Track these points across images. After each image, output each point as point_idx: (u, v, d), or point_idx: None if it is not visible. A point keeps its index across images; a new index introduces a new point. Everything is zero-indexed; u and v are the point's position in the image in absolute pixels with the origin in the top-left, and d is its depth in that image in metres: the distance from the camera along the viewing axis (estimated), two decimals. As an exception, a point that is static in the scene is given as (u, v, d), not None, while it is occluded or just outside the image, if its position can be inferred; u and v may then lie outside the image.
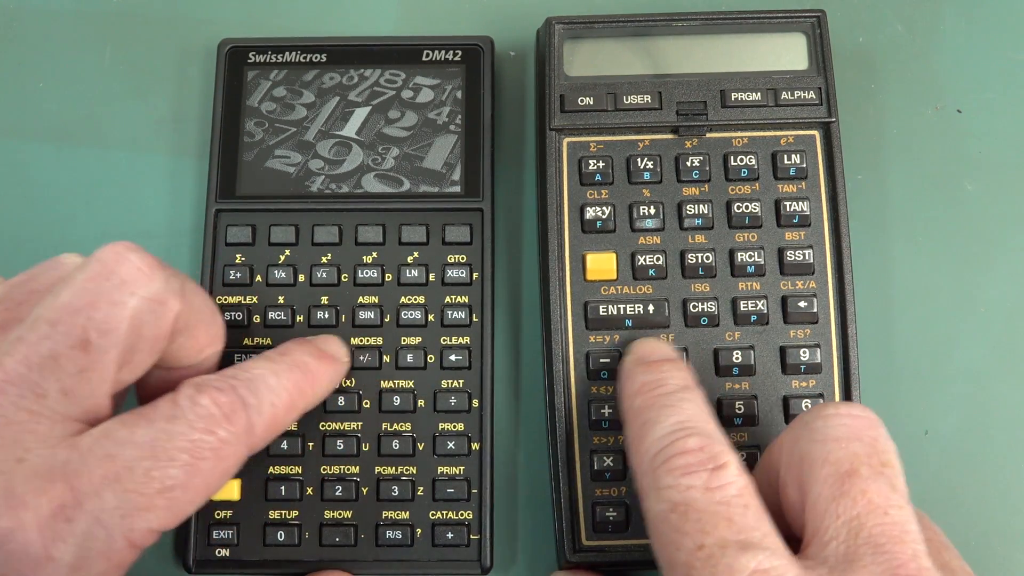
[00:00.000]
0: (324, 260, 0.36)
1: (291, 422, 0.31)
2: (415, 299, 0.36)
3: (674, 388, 0.30)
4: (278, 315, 0.36)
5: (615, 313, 0.35)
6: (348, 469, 0.34)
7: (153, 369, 0.30)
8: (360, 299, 0.36)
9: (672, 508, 0.26)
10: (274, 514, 0.34)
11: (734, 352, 0.35)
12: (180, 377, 0.31)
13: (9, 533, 0.24)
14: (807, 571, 0.25)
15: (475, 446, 0.35)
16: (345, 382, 0.35)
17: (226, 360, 0.34)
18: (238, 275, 0.36)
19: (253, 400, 0.29)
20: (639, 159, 0.36)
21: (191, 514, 0.27)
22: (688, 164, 0.36)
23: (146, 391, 0.31)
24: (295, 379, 0.31)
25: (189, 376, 0.31)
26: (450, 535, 0.34)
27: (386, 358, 0.35)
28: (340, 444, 0.34)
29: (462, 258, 0.36)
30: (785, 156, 0.36)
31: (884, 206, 0.39)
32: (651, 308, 0.35)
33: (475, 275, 0.36)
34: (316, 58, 0.38)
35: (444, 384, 0.35)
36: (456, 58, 0.38)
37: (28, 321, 0.26)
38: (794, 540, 0.27)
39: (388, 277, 0.36)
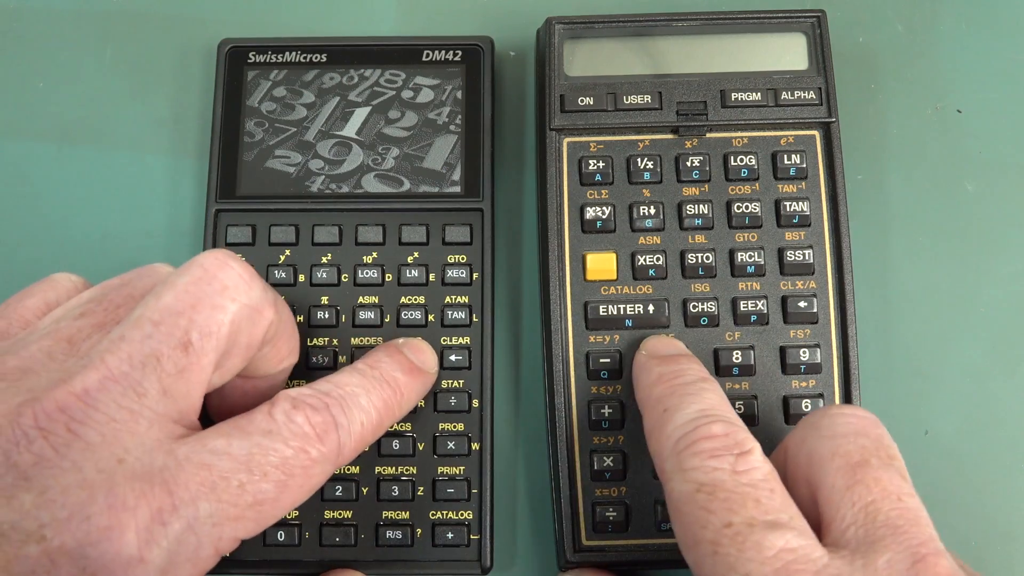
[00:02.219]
0: (324, 260, 0.36)
1: (376, 439, 0.31)
2: (415, 299, 0.36)
3: (693, 378, 0.31)
4: (278, 315, 0.36)
5: (615, 313, 0.35)
6: (348, 469, 0.34)
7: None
8: (360, 299, 0.36)
9: (698, 488, 0.27)
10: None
11: (734, 352, 0.35)
12: (254, 387, 0.32)
13: (108, 532, 0.24)
14: (831, 553, 0.25)
15: (475, 446, 0.35)
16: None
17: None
18: (238, 275, 0.36)
19: (344, 420, 0.29)
20: (639, 159, 0.36)
21: (269, 525, 0.28)
22: (688, 164, 0.36)
23: (221, 397, 0.32)
24: (385, 397, 0.31)
25: (264, 385, 0.32)
26: (450, 535, 0.34)
27: (386, 358, 0.35)
28: (340, 444, 0.34)
29: (462, 258, 0.36)
30: (785, 156, 0.36)
31: (884, 206, 0.39)
32: (651, 308, 0.35)
33: (475, 275, 0.36)
34: (316, 58, 0.38)
35: (444, 384, 0.35)
36: (456, 58, 0.38)
37: (130, 320, 0.27)
38: None
39: (388, 277, 0.36)
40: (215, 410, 0.32)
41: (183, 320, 0.27)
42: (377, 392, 0.31)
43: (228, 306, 0.28)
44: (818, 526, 0.27)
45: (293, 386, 0.34)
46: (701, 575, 0.27)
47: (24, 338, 0.28)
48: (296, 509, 0.34)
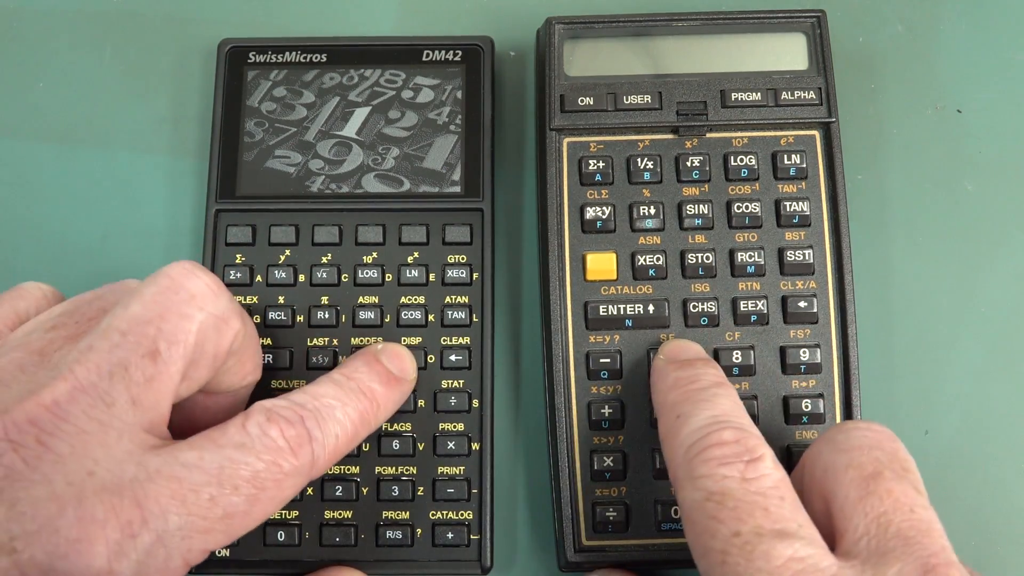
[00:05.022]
0: (324, 260, 0.36)
1: (350, 450, 0.31)
2: (415, 299, 0.36)
3: (708, 384, 0.31)
4: (278, 315, 0.36)
5: (615, 313, 0.35)
6: (348, 469, 0.34)
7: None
8: (360, 299, 0.36)
9: (708, 496, 0.27)
10: (274, 514, 0.34)
11: (734, 352, 0.35)
12: (216, 402, 0.32)
13: (77, 545, 0.24)
14: (841, 563, 0.26)
15: (475, 446, 0.35)
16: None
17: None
18: (238, 275, 0.36)
19: (319, 434, 0.29)
20: (639, 159, 0.36)
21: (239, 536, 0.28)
22: (688, 164, 0.36)
23: (182, 413, 0.32)
24: (361, 409, 0.31)
25: (226, 402, 0.32)
26: (450, 535, 0.34)
27: (386, 358, 0.35)
28: (340, 444, 0.34)
29: (462, 258, 0.36)
30: (785, 156, 0.36)
31: (884, 206, 0.39)
32: (651, 308, 0.35)
33: (475, 275, 0.36)
34: (316, 58, 0.38)
35: (444, 384, 0.35)
36: (456, 58, 0.38)
37: (98, 331, 0.27)
38: None
39: (388, 277, 0.36)
40: (176, 426, 0.32)
41: (151, 329, 0.27)
42: (353, 404, 0.30)
43: (195, 315, 0.28)
44: (832, 539, 0.27)
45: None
46: None
47: None
48: (296, 509, 0.34)
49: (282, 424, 0.28)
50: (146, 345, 0.27)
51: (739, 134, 0.36)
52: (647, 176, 0.36)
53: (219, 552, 0.34)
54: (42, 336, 0.28)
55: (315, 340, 0.35)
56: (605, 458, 0.34)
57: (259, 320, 0.36)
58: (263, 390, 0.34)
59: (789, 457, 0.34)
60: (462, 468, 0.35)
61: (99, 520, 0.25)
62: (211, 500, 0.26)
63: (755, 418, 0.34)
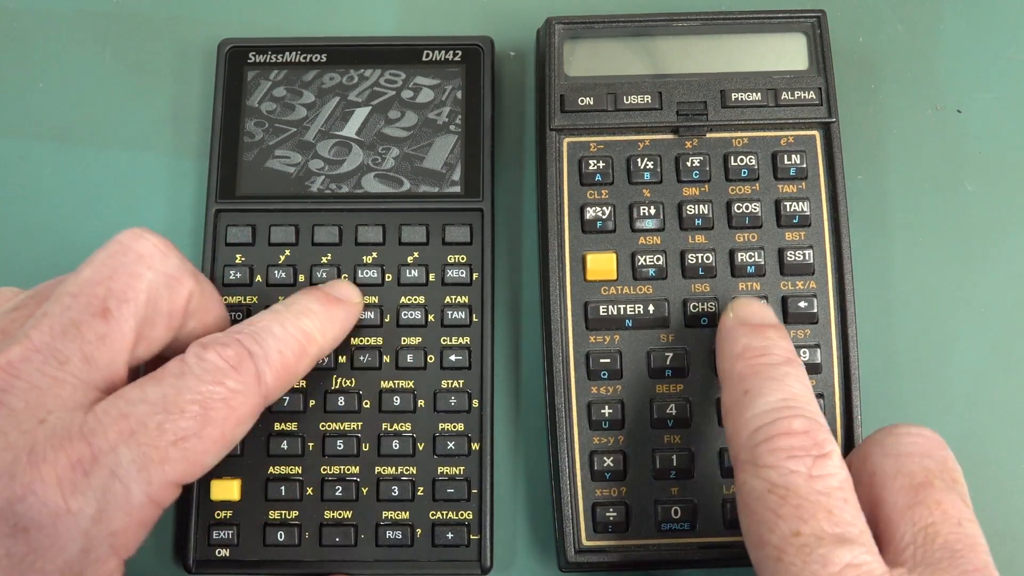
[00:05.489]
0: (324, 260, 0.36)
1: (305, 370, 0.31)
2: (415, 299, 0.36)
3: (779, 360, 0.30)
4: (278, 315, 0.36)
5: (615, 313, 0.35)
6: (348, 469, 0.34)
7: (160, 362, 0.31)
8: (360, 299, 0.36)
9: (771, 488, 0.27)
10: (274, 514, 0.34)
11: (734, 352, 0.34)
12: None
13: (31, 486, 0.25)
14: (891, 572, 0.26)
15: (475, 446, 0.35)
16: (345, 382, 0.35)
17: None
18: (238, 275, 0.36)
19: (258, 350, 0.29)
20: (639, 159, 0.36)
21: (210, 466, 0.28)
22: (688, 164, 0.36)
23: None
24: (302, 326, 0.31)
25: None
26: (450, 535, 0.34)
27: (386, 358, 0.35)
28: (340, 444, 0.34)
29: (462, 258, 0.36)
30: (785, 156, 0.36)
31: (884, 206, 0.39)
32: (651, 308, 0.35)
33: (475, 275, 0.36)
34: (316, 58, 0.38)
35: (444, 384, 0.35)
36: (456, 58, 0.38)
37: (52, 298, 0.28)
38: None
39: (388, 277, 0.36)
40: None
41: (100, 289, 0.28)
42: (293, 322, 0.31)
43: (144, 274, 0.29)
44: (876, 543, 0.27)
45: None
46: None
47: None
48: (296, 509, 0.34)
49: (217, 348, 0.29)
50: (96, 305, 0.28)
51: (739, 134, 0.36)
52: (647, 176, 0.36)
53: (219, 552, 0.34)
54: (4, 316, 0.29)
55: (315, 340, 0.35)
56: (605, 458, 0.34)
57: (259, 320, 0.36)
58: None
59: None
60: (462, 468, 0.35)
61: (49, 460, 0.26)
62: (159, 427, 0.27)
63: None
